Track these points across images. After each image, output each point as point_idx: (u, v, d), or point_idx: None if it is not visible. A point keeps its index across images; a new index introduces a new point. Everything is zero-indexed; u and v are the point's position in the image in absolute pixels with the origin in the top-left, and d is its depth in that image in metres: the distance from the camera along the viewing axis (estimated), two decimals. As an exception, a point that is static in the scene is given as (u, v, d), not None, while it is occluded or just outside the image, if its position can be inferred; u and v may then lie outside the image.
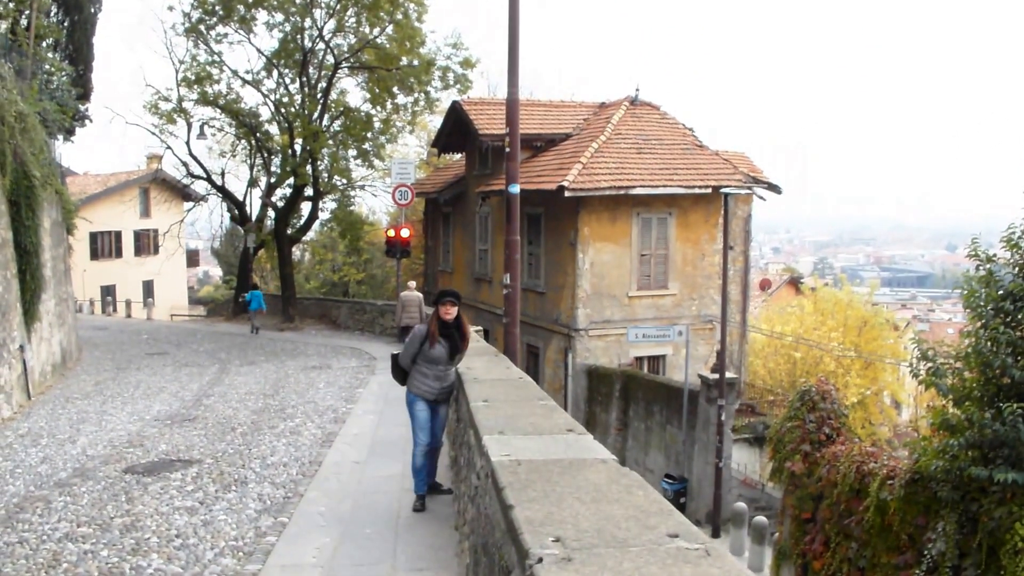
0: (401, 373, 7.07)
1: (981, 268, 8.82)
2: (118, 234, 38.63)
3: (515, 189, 11.40)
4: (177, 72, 26.74)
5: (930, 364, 8.88)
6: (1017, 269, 8.62)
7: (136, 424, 11.08)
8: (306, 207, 29.33)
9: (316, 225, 31.81)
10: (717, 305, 18.49)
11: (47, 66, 18.38)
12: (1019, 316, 8.14)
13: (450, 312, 6.78)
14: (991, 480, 7.72)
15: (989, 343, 8.23)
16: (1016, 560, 7.52)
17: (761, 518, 14.11)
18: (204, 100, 26.70)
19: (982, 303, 8.49)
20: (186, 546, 6.25)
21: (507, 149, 11.39)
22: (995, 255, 8.95)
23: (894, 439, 19.79)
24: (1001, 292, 8.41)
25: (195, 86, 26.30)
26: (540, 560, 2.21)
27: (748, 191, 20.11)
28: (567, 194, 17.96)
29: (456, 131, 24.01)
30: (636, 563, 2.20)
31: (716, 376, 16.17)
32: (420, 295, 19.33)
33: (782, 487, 11.88)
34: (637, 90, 21.89)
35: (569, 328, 19.33)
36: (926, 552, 8.41)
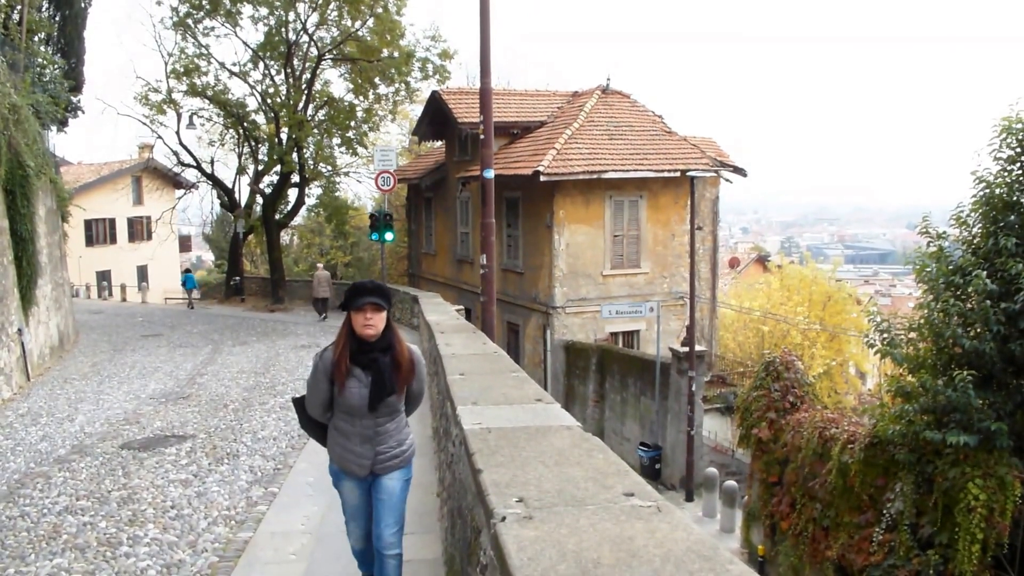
0: (316, 428, 4.39)
1: (932, 244, 9.34)
2: (112, 221, 39.25)
3: (489, 174, 11.92)
4: (166, 64, 27.39)
5: (885, 335, 9.39)
6: (966, 245, 9.18)
7: (132, 402, 11.44)
8: (293, 193, 30.00)
9: (303, 211, 32.58)
10: (687, 282, 19.08)
11: (39, 60, 18.67)
12: (968, 289, 8.61)
13: (371, 323, 4.00)
14: (945, 443, 8.23)
15: (941, 315, 8.73)
16: (969, 517, 8.05)
17: (731, 482, 14.53)
18: (193, 91, 27.26)
19: (934, 277, 8.99)
20: (181, 516, 6.48)
21: (482, 136, 12.08)
22: (945, 232, 9.46)
23: (859, 407, 20.75)
24: (951, 267, 8.92)
25: (184, 78, 26.87)
26: (503, 519, 2.34)
27: (714, 174, 20.60)
28: (542, 179, 18.50)
29: (436, 119, 24.43)
30: (592, 520, 2.32)
31: (686, 349, 16.63)
32: (328, 273, 23.64)
33: (750, 453, 12.33)
34: (608, 79, 22.39)
35: (547, 306, 19.94)
36: (885, 511, 8.93)
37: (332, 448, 4.28)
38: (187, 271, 31.90)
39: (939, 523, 8.48)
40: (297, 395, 4.53)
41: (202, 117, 29.02)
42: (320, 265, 24.79)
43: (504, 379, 5.02)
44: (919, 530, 8.70)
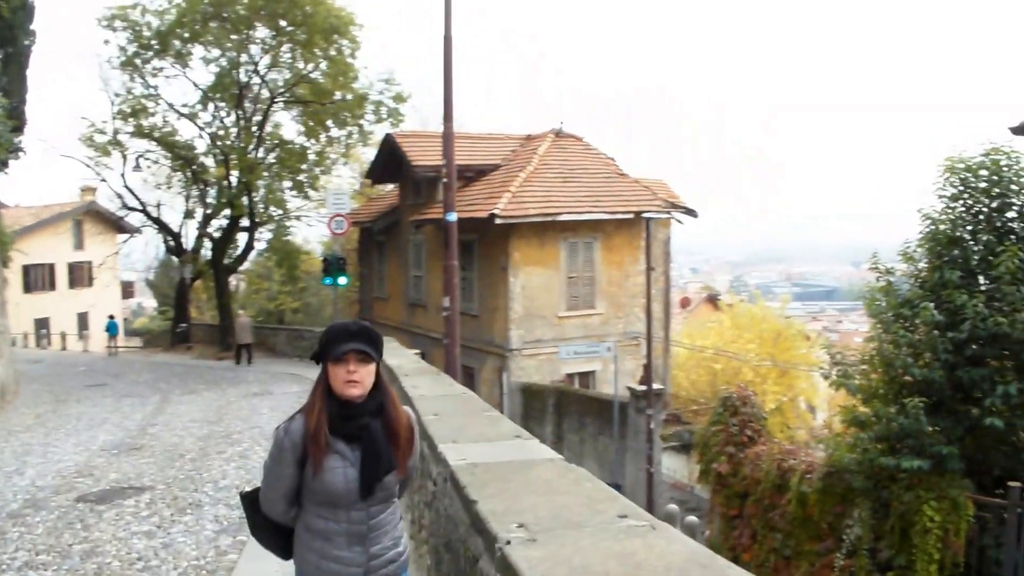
0: (274, 533, 3.29)
1: (881, 279, 9.80)
2: (51, 267, 38.11)
3: (452, 217, 12.18)
4: (112, 105, 26.93)
5: (840, 367, 9.76)
6: (913, 279, 9.62)
7: (83, 455, 11.05)
8: (242, 237, 29.60)
9: (252, 255, 32.18)
10: (642, 322, 19.24)
11: (-21, 99, 18.33)
12: (916, 320, 9.00)
13: (355, 378, 2.99)
14: (899, 468, 8.48)
15: (891, 346, 9.08)
16: (926, 539, 8.29)
17: (692, 518, 14.34)
18: (139, 133, 26.88)
19: (883, 310, 9.42)
20: (149, 568, 6.32)
21: (444, 180, 12.23)
22: (893, 268, 9.94)
23: (811, 440, 21.11)
24: (900, 300, 9.34)
25: (130, 119, 26.51)
26: (508, 542, 2.42)
27: (667, 215, 21.05)
28: (498, 221, 18.61)
29: (390, 163, 24.35)
30: (592, 540, 2.43)
31: (644, 388, 16.79)
32: (249, 320, 24.24)
33: (710, 487, 12.45)
34: (561, 123, 22.79)
35: (503, 348, 19.92)
36: (844, 537, 9.09)
37: (304, 557, 3.14)
38: (111, 318, 32.19)
39: (897, 546, 8.69)
40: (247, 488, 3.29)
41: (148, 159, 28.54)
42: (241, 312, 25.16)
43: (479, 418, 5.07)
44: (878, 554, 8.90)
